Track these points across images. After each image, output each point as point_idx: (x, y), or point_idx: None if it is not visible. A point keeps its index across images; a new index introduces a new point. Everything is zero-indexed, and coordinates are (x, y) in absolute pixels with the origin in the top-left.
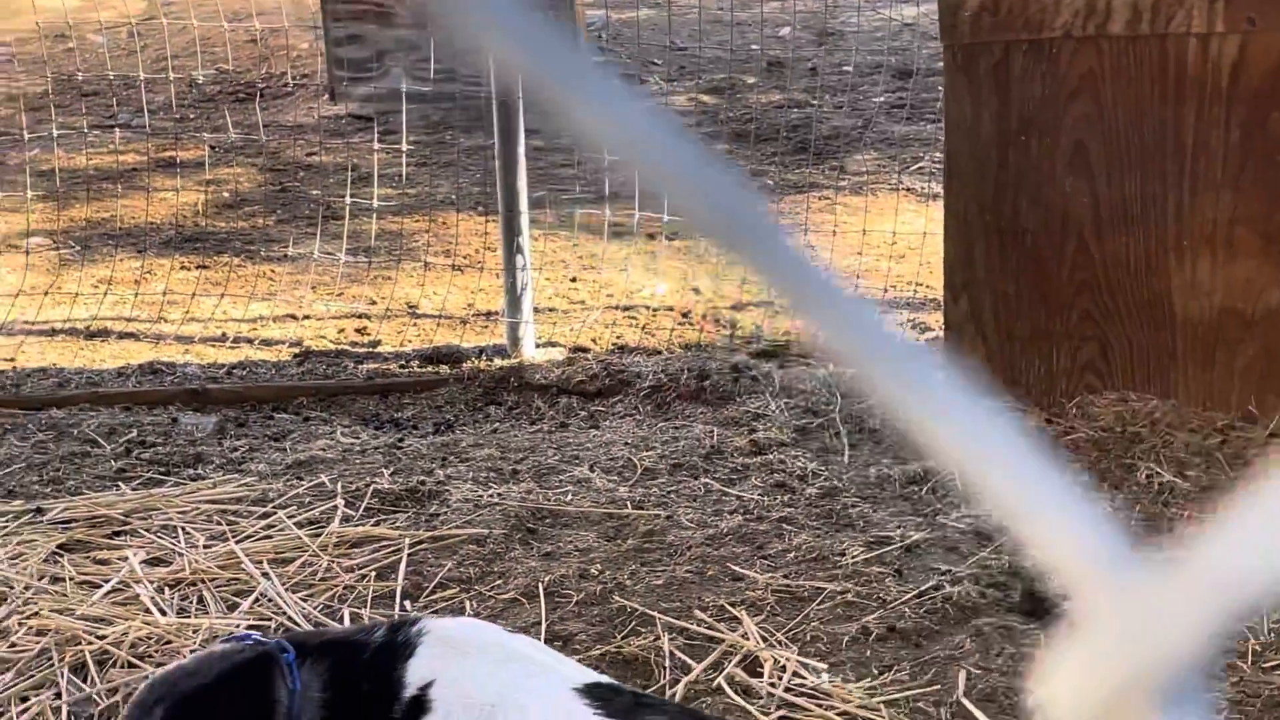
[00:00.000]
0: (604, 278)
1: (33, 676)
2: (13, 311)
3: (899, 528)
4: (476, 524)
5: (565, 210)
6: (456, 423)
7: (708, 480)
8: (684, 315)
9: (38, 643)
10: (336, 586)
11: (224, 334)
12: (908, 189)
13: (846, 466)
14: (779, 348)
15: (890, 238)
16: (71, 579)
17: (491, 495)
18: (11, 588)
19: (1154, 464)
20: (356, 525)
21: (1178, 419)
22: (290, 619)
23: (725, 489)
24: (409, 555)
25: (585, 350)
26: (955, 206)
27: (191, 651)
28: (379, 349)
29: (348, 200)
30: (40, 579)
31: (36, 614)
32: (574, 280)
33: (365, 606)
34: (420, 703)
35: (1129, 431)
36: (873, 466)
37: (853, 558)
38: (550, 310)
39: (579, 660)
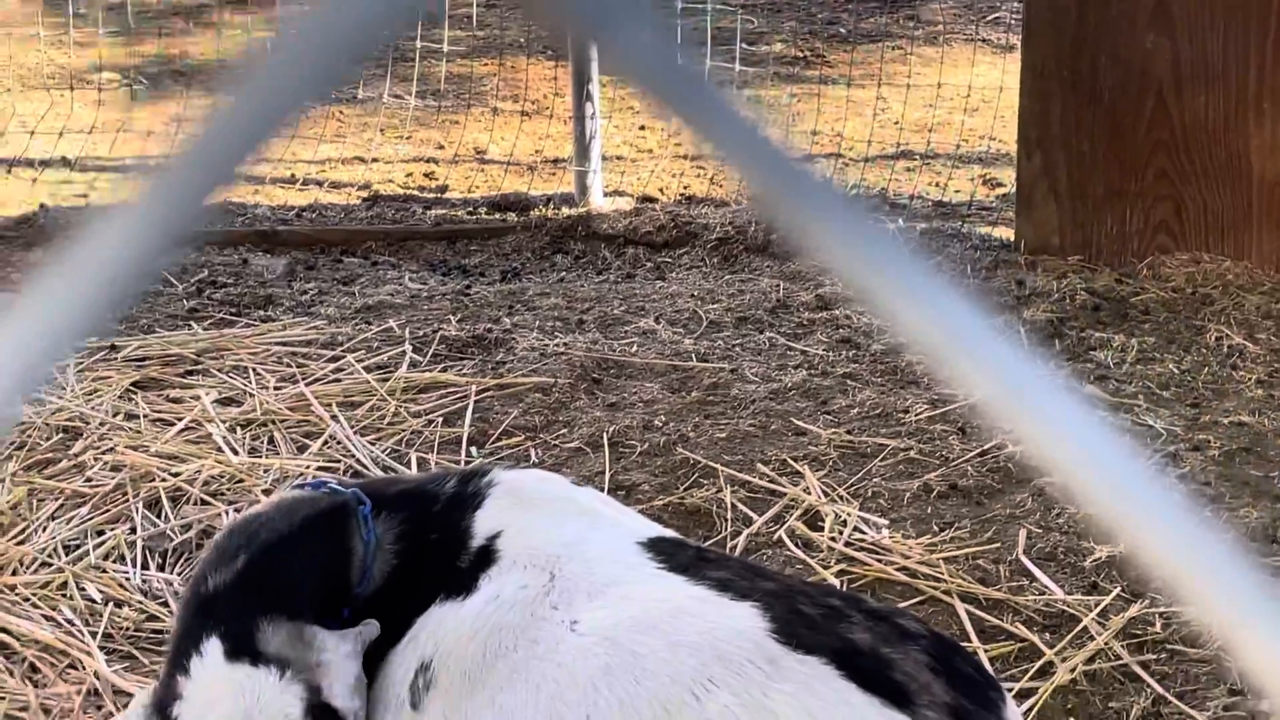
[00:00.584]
0: (673, 126)
1: (108, 511)
2: (86, 147)
3: (964, 386)
4: (542, 373)
5: None
6: (523, 271)
7: (773, 334)
8: None
9: (113, 478)
10: (404, 431)
11: (293, 175)
12: (984, 40)
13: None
14: None
15: (964, 90)
16: (145, 416)
17: (557, 344)
18: (87, 423)
19: (1224, 326)
20: (424, 371)
21: (1250, 281)
22: (358, 462)
23: (790, 344)
24: (475, 402)
25: (653, 200)
26: (1032, 61)
27: (264, 491)
28: (446, 195)
29: (417, 43)
30: (115, 415)
31: (112, 450)
32: (643, 128)
33: (432, 452)
34: (487, 553)
35: (1200, 293)
36: None
37: (916, 415)
38: (618, 158)
39: (641, 511)
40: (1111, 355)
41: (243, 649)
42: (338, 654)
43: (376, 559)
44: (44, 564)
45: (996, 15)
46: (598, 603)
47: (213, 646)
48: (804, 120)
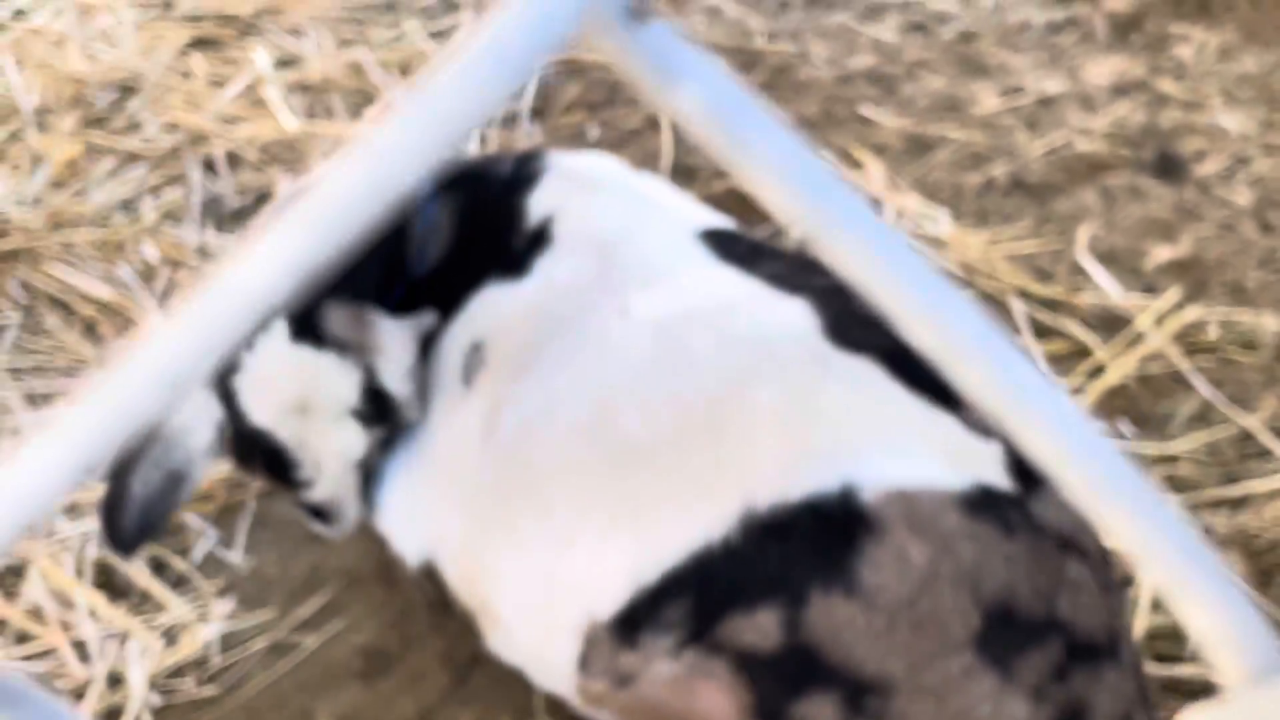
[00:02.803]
0: None
1: (165, 171)
2: None
3: (1036, 78)
4: None
5: None
6: None
7: (843, 17)
8: None
9: (169, 138)
10: None
11: None
12: None
13: (989, 11)
14: None
15: None
16: (202, 76)
17: None
18: (143, 82)
19: None
20: None
21: None
22: None
23: (860, 27)
24: (538, 76)
25: None
26: None
27: (322, 157)
28: None
29: None
30: (171, 74)
31: (168, 109)
32: None
33: (490, 126)
34: (540, 235)
35: None
36: (1015, 12)
37: (985, 107)
38: None
39: (700, 196)
40: (1191, 51)
41: (306, 329)
42: (394, 339)
43: (432, 242)
44: (99, 223)
45: None
46: (649, 291)
47: (278, 325)
48: None
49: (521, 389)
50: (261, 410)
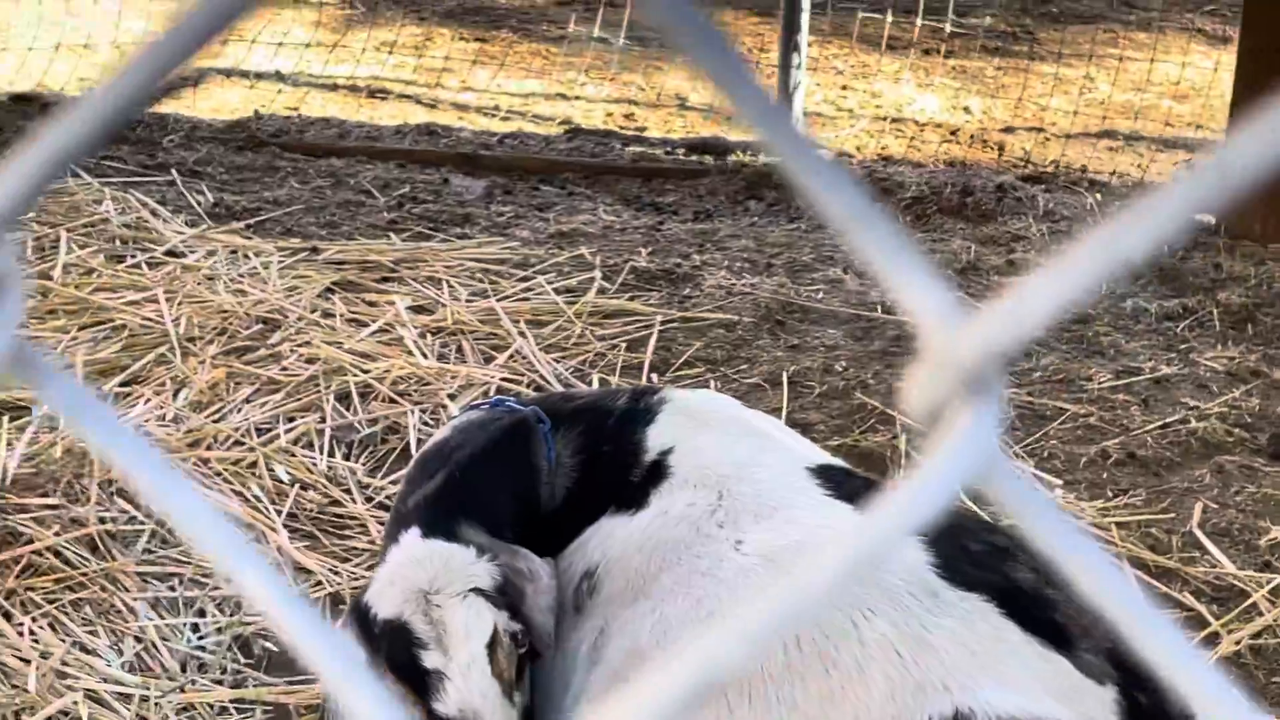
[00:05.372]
0: (874, 88)
1: (300, 399)
2: (300, 64)
3: (1150, 360)
4: (727, 310)
5: (844, 14)
6: (715, 213)
7: (959, 294)
8: (952, 133)
9: (306, 370)
10: (588, 353)
11: (497, 105)
12: (1199, 30)
13: (1104, 296)
14: (1047, 173)
15: (1175, 77)
16: (341, 315)
17: (744, 284)
18: (285, 317)
19: None
20: (612, 298)
21: None
22: (542, 377)
23: (977, 304)
24: (659, 332)
25: (849, 157)
26: (1250, 44)
27: (449, 396)
28: (645, 134)
29: None
30: (312, 312)
31: (308, 343)
32: (844, 88)
33: (614, 374)
34: (659, 467)
35: None
36: (1130, 299)
37: (1099, 383)
38: (817, 115)
39: None
40: None
41: (438, 532)
42: (543, 573)
43: (559, 476)
44: (237, 443)
45: (1213, 6)
46: (763, 525)
47: (410, 534)
48: (1008, 92)
49: (632, 615)
50: (388, 602)
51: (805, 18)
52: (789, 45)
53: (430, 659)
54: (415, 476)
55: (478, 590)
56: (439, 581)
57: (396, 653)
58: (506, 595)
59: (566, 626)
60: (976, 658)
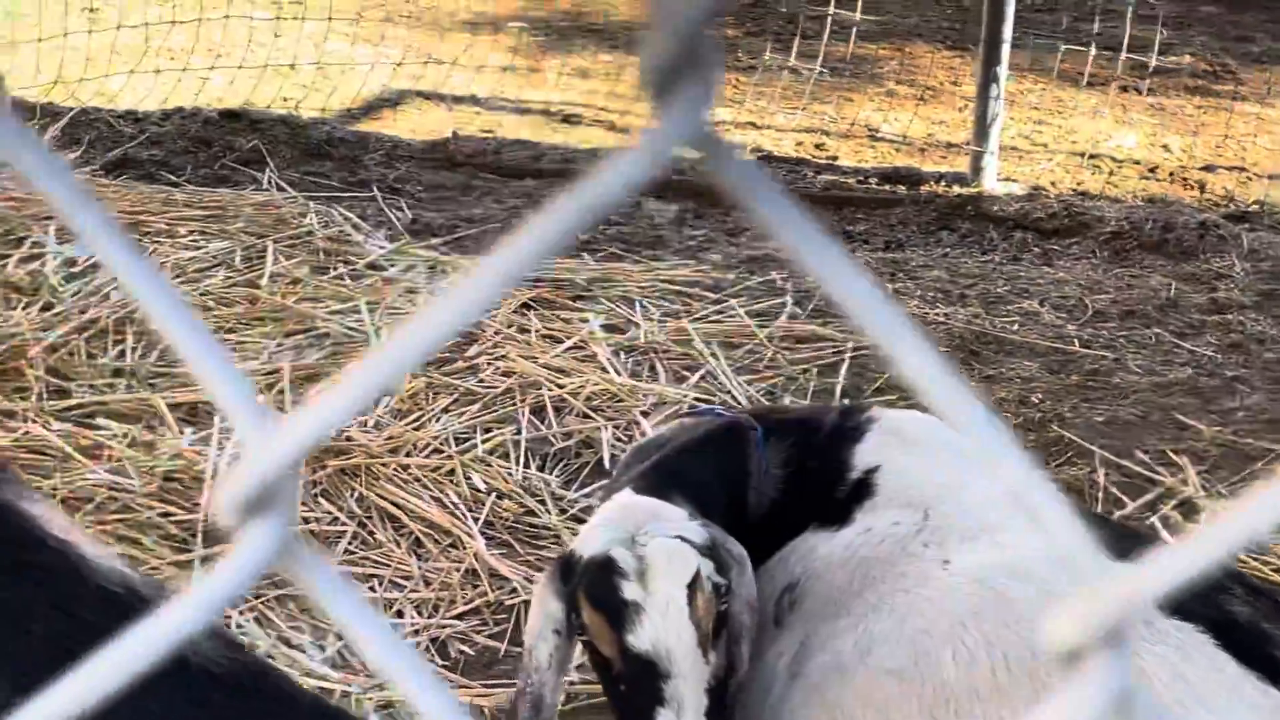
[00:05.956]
0: (1070, 124)
1: (496, 411)
2: (495, 88)
3: None
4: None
5: (1043, 50)
6: (907, 243)
7: (1159, 330)
8: (1150, 170)
9: (503, 382)
10: (779, 376)
11: None
12: None
13: None
14: (1251, 213)
15: None
16: (536, 331)
17: (937, 314)
18: (483, 331)
19: None
20: (803, 323)
21: None
22: (734, 398)
23: (1178, 341)
24: (850, 358)
25: (1044, 190)
26: None
27: (642, 413)
28: (836, 163)
29: (830, 12)
30: (508, 327)
31: (503, 357)
32: (1039, 123)
33: (805, 398)
34: (865, 485)
35: None
36: None
37: None
38: (1012, 149)
39: None
40: None
41: (652, 493)
42: (748, 565)
43: (766, 484)
44: (436, 450)
45: None
46: (970, 546)
47: (622, 494)
48: (1209, 131)
49: (833, 631)
50: (592, 543)
51: (1006, 49)
52: (988, 74)
53: (630, 590)
54: (628, 462)
55: (685, 539)
56: (648, 526)
57: (596, 583)
58: (713, 559)
59: (766, 639)
60: (1193, 688)
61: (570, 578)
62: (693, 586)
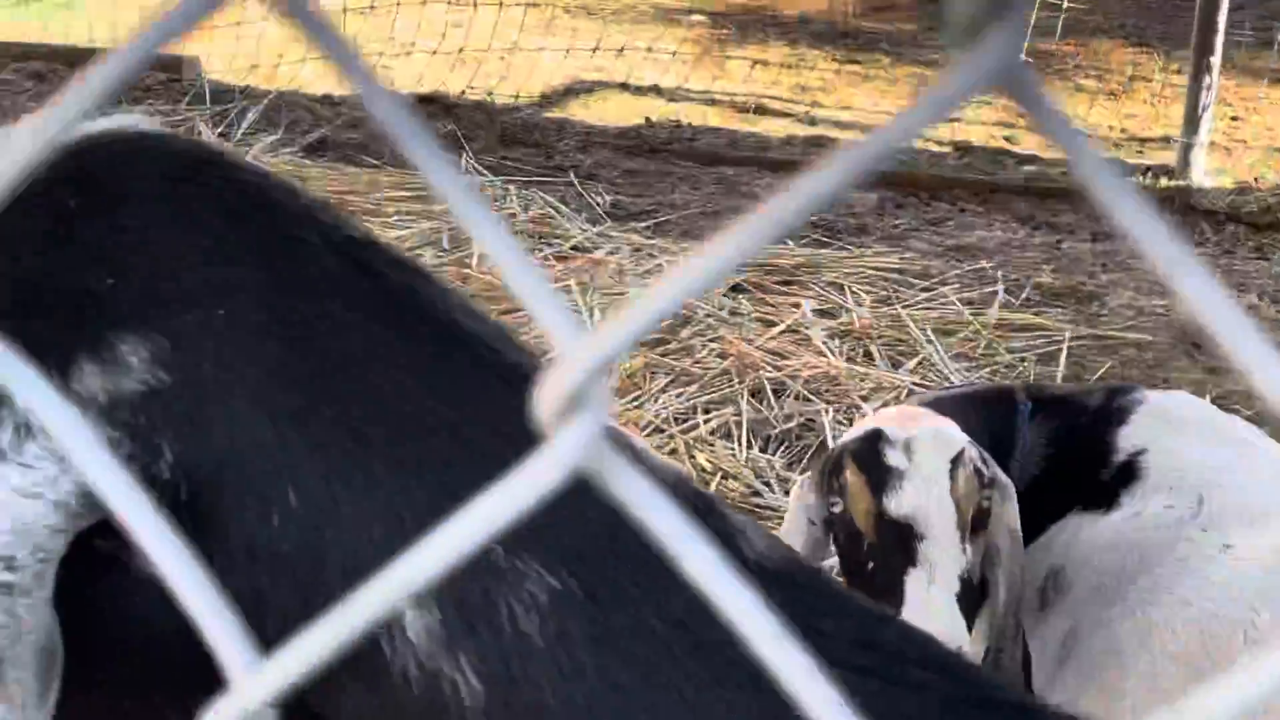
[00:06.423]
0: (1267, 120)
1: (716, 392)
2: (679, 79)
3: None
4: (1140, 329)
5: (1245, 47)
6: (1117, 233)
7: None
8: None
9: (719, 364)
10: (997, 364)
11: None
12: None
13: None
14: None
15: None
16: (748, 314)
17: (1156, 305)
18: (695, 313)
19: None
20: (1016, 312)
21: None
22: (953, 386)
23: None
24: (1068, 349)
25: (1249, 186)
26: None
27: (861, 398)
28: (1035, 154)
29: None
30: (720, 309)
31: (718, 339)
32: (1235, 119)
33: None
34: (1130, 469)
35: None
36: None
37: None
38: (1211, 144)
39: None
40: None
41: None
42: (1011, 494)
43: (1029, 458)
44: (657, 429)
45: None
46: (1254, 529)
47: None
48: None
49: (1107, 615)
50: (861, 430)
51: (1220, 38)
52: (1201, 63)
53: (894, 457)
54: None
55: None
56: (921, 420)
57: (863, 447)
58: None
59: (1030, 623)
60: None
61: (839, 460)
62: (955, 463)
